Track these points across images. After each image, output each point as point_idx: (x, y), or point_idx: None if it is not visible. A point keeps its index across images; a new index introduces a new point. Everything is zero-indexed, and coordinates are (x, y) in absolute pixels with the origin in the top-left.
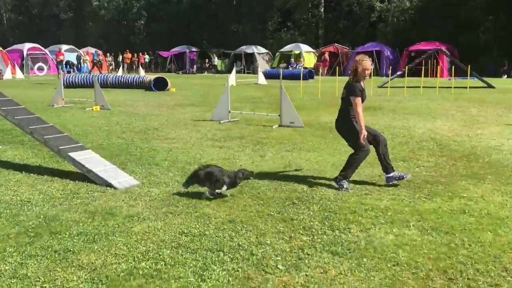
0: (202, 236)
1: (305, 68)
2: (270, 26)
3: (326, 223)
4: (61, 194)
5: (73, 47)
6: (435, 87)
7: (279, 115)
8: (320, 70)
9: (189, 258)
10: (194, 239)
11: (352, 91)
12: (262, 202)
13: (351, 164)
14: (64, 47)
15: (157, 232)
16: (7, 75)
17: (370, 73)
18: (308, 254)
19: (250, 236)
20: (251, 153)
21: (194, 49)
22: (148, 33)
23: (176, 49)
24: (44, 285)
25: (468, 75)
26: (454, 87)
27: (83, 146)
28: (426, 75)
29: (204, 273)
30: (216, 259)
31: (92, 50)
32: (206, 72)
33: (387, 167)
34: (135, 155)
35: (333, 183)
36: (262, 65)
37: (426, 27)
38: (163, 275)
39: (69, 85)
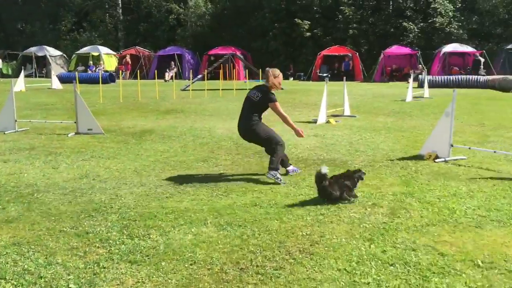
0: None
1: (106, 71)
2: (64, 27)
3: (125, 232)
4: None
5: None
6: (233, 89)
7: (75, 122)
8: (122, 74)
9: None
10: None
11: (271, 98)
12: (53, 218)
13: (276, 159)
14: None
15: None
16: None
17: (173, 76)
18: (105, 267)
19: (39, 257)
20: (42, 165)
21: None
22: None
23: None
24: None
25: (260, 78)
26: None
27: None
28: (225, 78)
29: None
30: None
31: None
32: None
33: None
34: None
35: (269, 179)
36: (57, 68)
37: (222, 32)
38: None
39: None
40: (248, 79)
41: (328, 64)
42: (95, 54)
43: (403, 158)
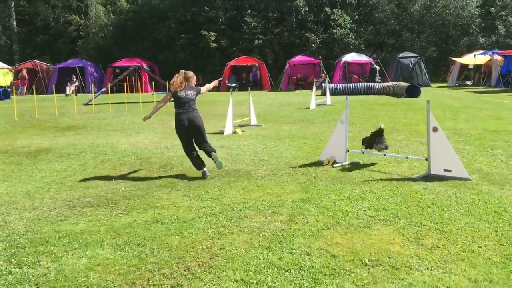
0: None
1: (0, 87)
2: None
3: (13, 261)
4: None
5: None
6: (139, 102)
7: None
8: (19, 89)
9: None
10: None
11: (199, 89)
12: None
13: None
14: None
15: None
16: None
17: (74, 90)
18: None
19: None
20: None
21: None
22: None
23: None
24: None
25: (168, 90)
26: (156, 101)
27: None
28: (132, 91)
29: None
30: None
31: None
32: None
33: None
34: None
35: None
36: None
37: (127, 44)
38: None
39: None
40: (155, 91)
41: (236, 74)
42: None
43: (304, 165)
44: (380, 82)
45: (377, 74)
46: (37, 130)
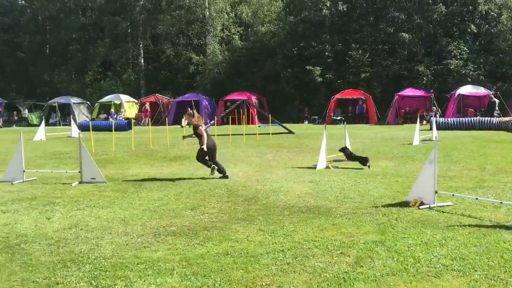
0: None
1: (127, 118)
2: (90, 76)
3: (93, 283)
4: None
5: None
6: (242, 134)
7: (79, 172)
8: (142, 120)
9: None
10: None
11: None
12: (31, 268)
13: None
14: None
15: None
16: None
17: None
18: None
19: None
20: (37, 215)
21: None
22: None
23: None
24: None
25: (270, 122)
26: (259, 134)
27: None
28: (240, 123)
29: None
30: None
31: None
32: (14, 126)
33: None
34: None
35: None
36: (81, 116)
37: (238, 79)
38: None
39: None
40: (261, 123)
41: (341, 107)
42: (117, 102)
43: (388, 205)
44: (498, 117)
45: (496, 108)
46: (148, 160)
